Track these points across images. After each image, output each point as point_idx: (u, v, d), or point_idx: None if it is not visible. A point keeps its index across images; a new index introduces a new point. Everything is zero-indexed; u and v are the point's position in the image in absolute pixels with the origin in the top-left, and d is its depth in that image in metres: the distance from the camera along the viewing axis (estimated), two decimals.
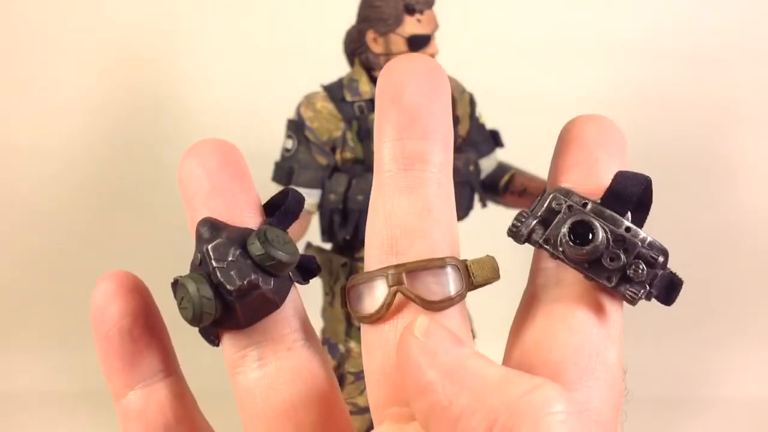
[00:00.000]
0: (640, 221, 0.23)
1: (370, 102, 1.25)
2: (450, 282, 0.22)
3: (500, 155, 1.41)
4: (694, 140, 2.03)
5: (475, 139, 1.34)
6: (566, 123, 0.24)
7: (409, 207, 0.22)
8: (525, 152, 1.56)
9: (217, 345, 0.24)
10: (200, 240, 0.23)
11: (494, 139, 1.38)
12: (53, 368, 2.15)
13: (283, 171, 1.26)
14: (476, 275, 0.23)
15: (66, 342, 2.17)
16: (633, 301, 0.21)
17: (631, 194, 0.21)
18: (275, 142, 1.35)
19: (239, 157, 0.24)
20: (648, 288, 0.22)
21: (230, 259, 0.22)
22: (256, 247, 0.22)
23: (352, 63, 1.30)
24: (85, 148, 2.10)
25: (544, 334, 0.22)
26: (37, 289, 2.18)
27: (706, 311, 2.11)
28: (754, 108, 2.01)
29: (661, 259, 0.21)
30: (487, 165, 1.37)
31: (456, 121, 1.31)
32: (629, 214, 0.22)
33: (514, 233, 0.23)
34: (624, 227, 0.21)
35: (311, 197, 1.26)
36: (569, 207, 0.22)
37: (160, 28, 2.02)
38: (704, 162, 2.05)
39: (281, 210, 0.24)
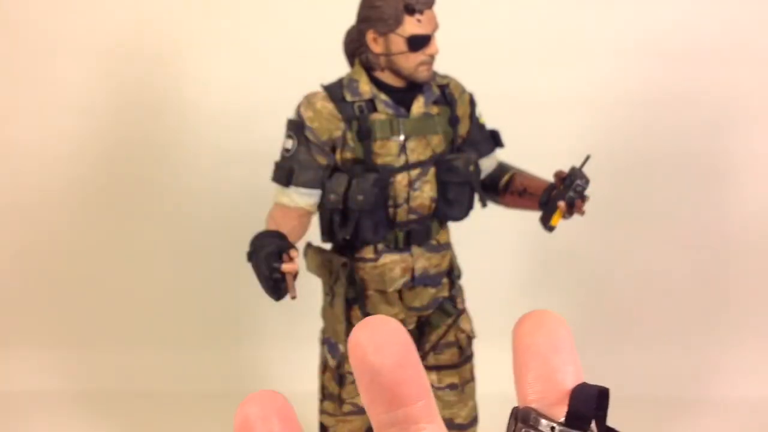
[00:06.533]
0: (602, 418, 0.25)
1: (370, 102, 1.25)
2: None
3: (500, 155, 1.40)
4: (694, 140, 2.03)
5: (475, 139, 1.34)
6: (514, 327, 0.25)
7: None
8: (525, 152, 1.56)
9: None
10: None
11: (494, 139, 1.37)
12: (53, 368, 2.14)
13: (283, 171, 1.25)
14: None
15: (66, 342, 2.17)
16: None
17: (589, 410, 0.24)
18: (275, 142, 1.34)
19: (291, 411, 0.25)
20: None
21: None
22: None
23: (352, 63, 1.30)
24: (85, 148, 2.10)
25: None
26: (37, 289, 2.18)
27: (706, 312, 2.11)
28: (755, 108, 2.01)
29: None
30: (487, 165, 1.36)
31: (456, 121, 1.31)
32: (593, 423, 0.24)
33: None
34: None
35: (311, 197, 1.25)
36: None
37: (161, 28, 2.02)
38: (704, 162, 2.05)
39: None
